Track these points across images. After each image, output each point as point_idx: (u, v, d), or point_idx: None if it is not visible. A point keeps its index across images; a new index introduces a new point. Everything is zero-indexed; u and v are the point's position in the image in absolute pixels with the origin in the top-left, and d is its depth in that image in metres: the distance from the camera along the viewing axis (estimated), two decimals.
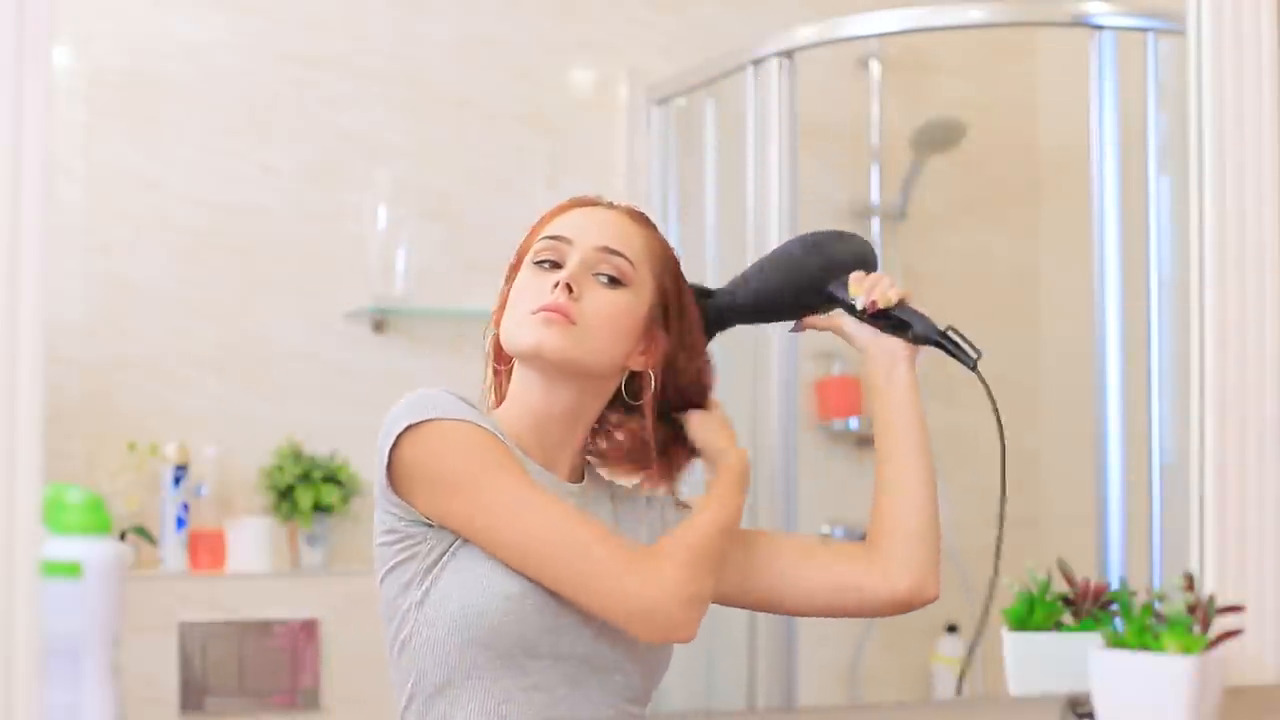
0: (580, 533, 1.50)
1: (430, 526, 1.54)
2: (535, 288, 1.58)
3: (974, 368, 1.68)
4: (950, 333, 1.70)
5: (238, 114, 2.75)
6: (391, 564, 1.56)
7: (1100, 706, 1.52)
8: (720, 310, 1.73)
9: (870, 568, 1.66)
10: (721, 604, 1.65)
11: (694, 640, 1.50)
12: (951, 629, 2.96)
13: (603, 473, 1.69)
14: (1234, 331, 1.92)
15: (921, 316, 1.73)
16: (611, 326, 1.58)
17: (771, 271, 1.75)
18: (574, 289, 1.56)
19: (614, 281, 1.59)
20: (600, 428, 1.67)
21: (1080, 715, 1.64)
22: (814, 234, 1.77)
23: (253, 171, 2.75)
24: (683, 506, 1.69)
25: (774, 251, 1.76)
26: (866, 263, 1.76)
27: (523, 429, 1.61)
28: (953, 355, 1.70)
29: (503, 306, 1.62)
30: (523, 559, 1.50)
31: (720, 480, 1.62)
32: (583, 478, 1.65)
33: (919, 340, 1.72)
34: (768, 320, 1.77)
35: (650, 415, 1.64)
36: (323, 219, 2.78)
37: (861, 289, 1.71)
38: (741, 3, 3.02)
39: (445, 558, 1.53)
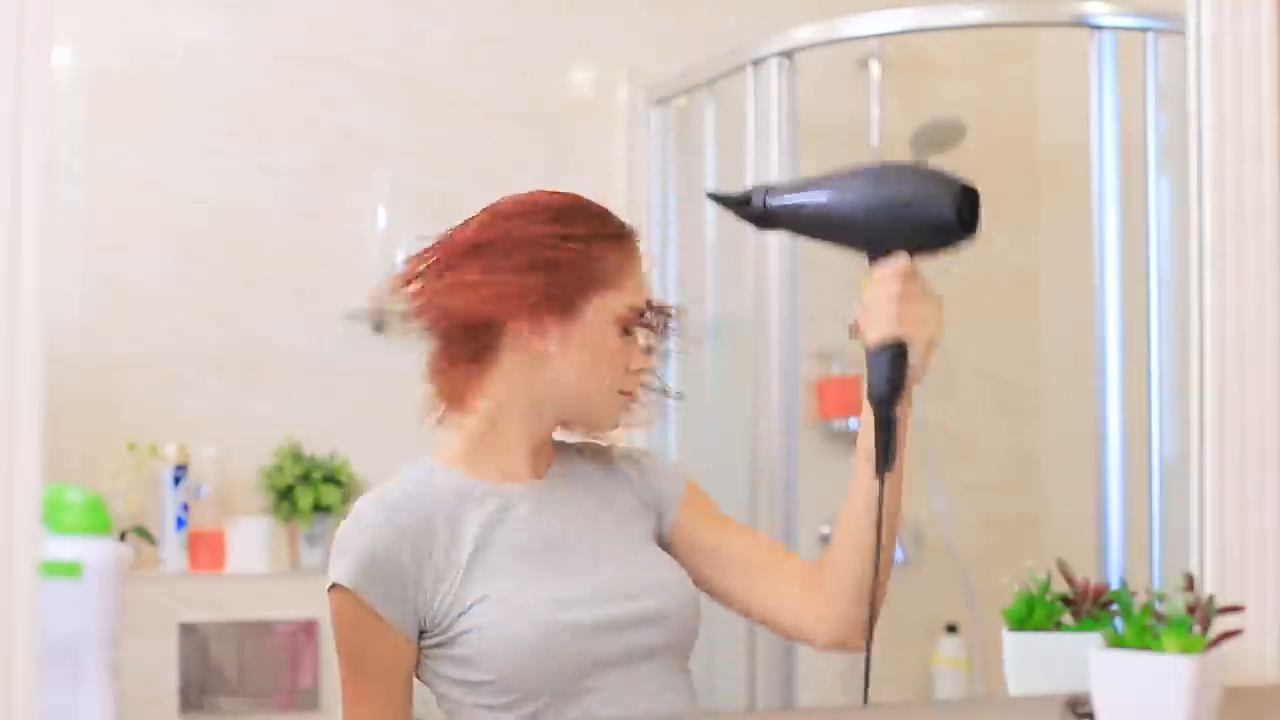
0: None
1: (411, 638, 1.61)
2: (621, 361, 1.61)
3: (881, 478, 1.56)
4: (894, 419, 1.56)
5: (237, 114, 2.74)
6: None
7: (1100, 706, 1.52)
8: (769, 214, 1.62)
9: (807, 609, 1.66)
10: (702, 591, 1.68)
11: None
12: (952, 629, 2.96)
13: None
14: (1234, 331, 1.91)
15: (882, 375, 1.61)
16: None
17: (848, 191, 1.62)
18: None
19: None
20: None
21: (1080, 715, 1.64)
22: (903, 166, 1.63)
23: (252, 171, 2.74)
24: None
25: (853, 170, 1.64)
26: (937, 226, 1.66)
27: (518, 464, 1.64)
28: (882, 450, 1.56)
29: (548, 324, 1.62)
30: None
31: None
32: (548, 467, 1.67)
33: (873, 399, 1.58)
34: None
35: None
36: (323, 219, 2.78)
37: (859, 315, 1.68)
38: (741, 3, 3.02)
39: (438, 655, 1.60)
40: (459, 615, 1.56)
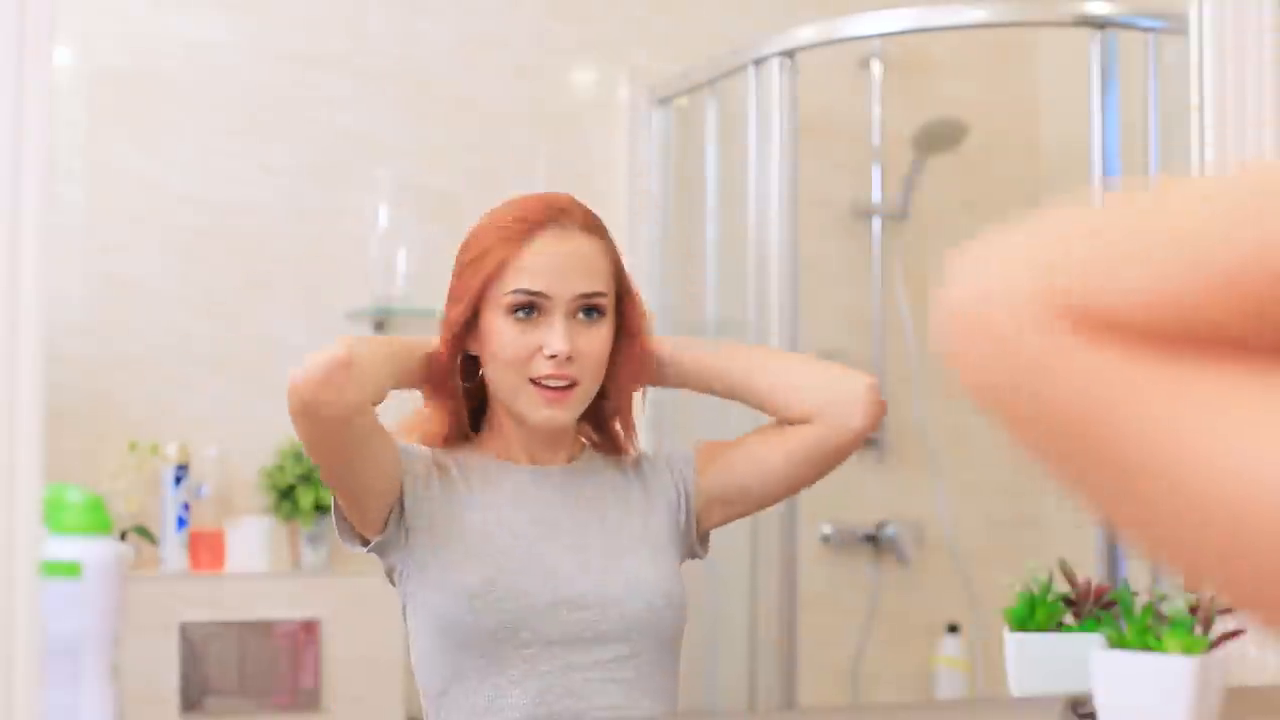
0: None
1: (397, 545, 1.60)
2: (521, 344, 1.58)
3: None
4: None
5: (238, 114, 2.75)
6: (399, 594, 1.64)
7: (1102, 706, 1.52)
8: None
9: (810, 428, 1.63)
10: (739, 515, 1.68)
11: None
12: (953, 629, 2.96)
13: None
14: None
15: None
16: (601, 358, 1.61)
17: None
18: (571, 356, 1.57)
19: (594, 312, 1.60)
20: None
21: (1082, 715, 1.64)
22: None
23: (253, 171, 2.75)
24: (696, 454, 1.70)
25: None
26: None
27: (513, 446, 1.65)
28: None
29: (458, 336, 1.61)
30: None
31: None
32: (578, 455, 1.67)
33: None
34: None
35: (628, 402, 1.67)
36: (323, 219, 2.78)
37: None
38: (742, 3, 3.02)
39: (414, 570, 1.59)
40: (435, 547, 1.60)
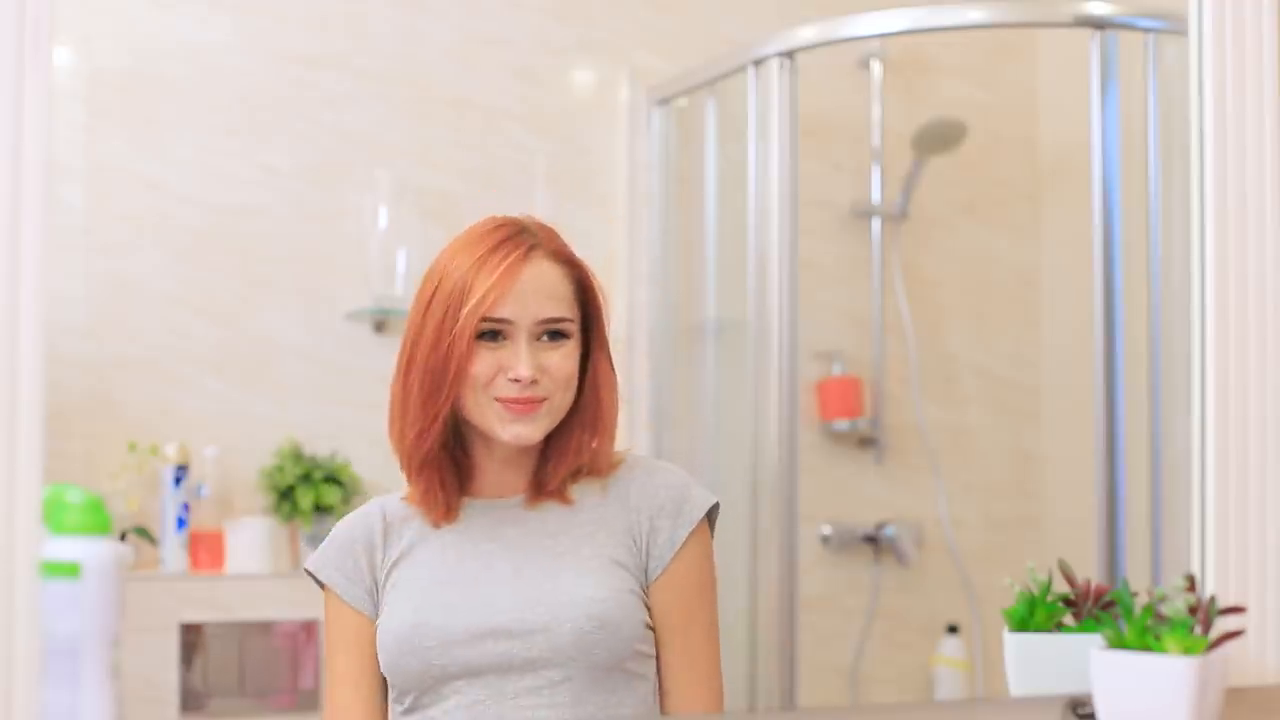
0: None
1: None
2: (486, 365, 1.60)
3: None
4: None
5: (238, 114, 2.75)
6: None
7: (1101, 707, 1.52)
8: None
9: None
10: None
11: None
12: (952, 629, 2.96)
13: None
14: (1235, 331, 1.92)
15: None
16: (568, 377, 1.64)
17: None
18: (536, 378, 1.58)
19: (559, 336, 1.62)
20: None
21: (1081, 716, 1.64)
22: None
23: (253, 171, 2.74)
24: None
25: None
26: None
27: (481, 479, 1.67)
28: None
29: (415, 388, 1.62)
30: None
31: None
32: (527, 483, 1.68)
33: None
34: None
35: (609, 414, 1.68)
36: (323, 219, 2.78)
37: None
38: (742, 3, 3.02)
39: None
40: (384, 598, 1.66)
